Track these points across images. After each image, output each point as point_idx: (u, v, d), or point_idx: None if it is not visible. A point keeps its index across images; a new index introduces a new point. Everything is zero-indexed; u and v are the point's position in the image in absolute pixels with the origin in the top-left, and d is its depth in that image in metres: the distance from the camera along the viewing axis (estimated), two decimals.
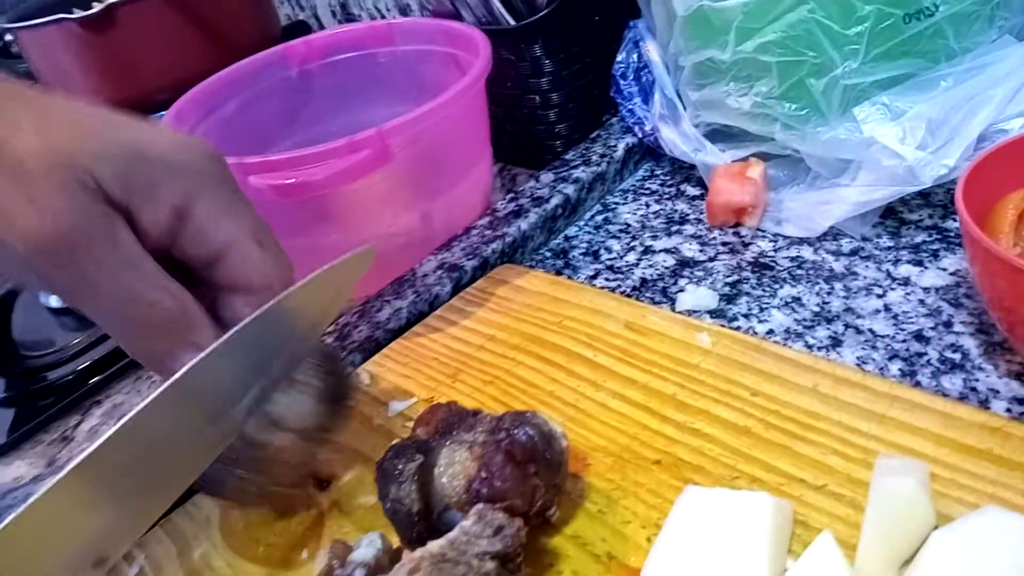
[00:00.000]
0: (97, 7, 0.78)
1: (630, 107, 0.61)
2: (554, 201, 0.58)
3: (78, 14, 0.79)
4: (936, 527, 0.29)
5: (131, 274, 0.30)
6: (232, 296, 0.33)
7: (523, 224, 0.56)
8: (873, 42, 0.46)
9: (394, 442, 0.36)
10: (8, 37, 0.91)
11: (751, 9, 0.48)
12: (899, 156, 0.45)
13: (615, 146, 0.62)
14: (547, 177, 0.60)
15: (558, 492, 0.34)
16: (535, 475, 0.33)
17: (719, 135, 0.57)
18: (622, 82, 0.61)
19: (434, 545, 0.30)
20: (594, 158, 0.61)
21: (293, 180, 0.47)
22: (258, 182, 0.48)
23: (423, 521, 0.33)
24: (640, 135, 0.61)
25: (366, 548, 0.32)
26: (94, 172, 0.29)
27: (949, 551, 0.27)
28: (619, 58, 0.62)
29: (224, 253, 0.32)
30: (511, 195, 0.59)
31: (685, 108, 0.57)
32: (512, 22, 0.62)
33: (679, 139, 0.57)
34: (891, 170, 0.46)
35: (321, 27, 1.17)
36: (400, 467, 0.33)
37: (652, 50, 0.60)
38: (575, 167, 0.61)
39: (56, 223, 0.28)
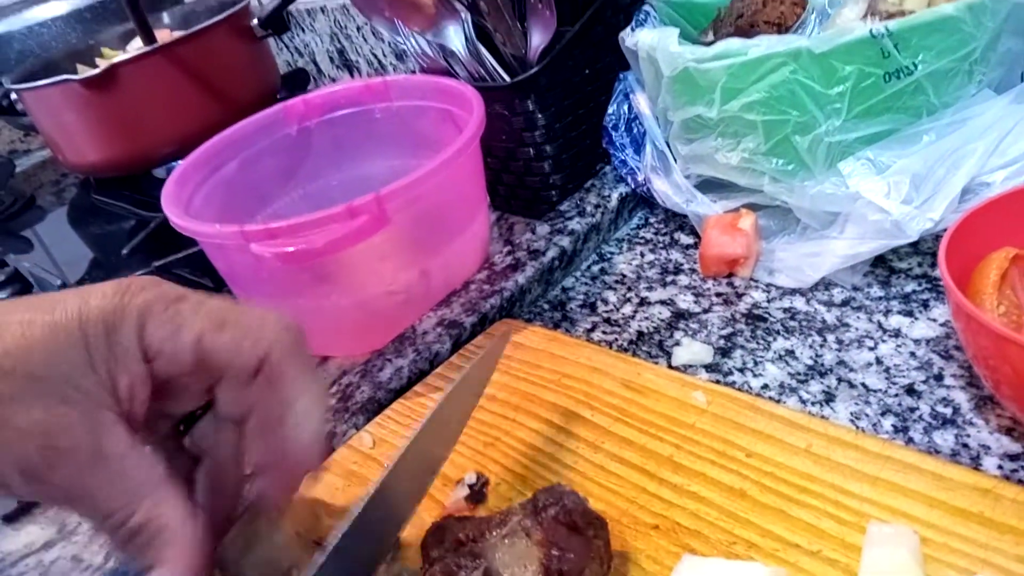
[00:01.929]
0: (100, 67, 0.80)
1: (622, 158, 0.62)
2: (551, 254, 0.59)
3: (81, 75, 0.81)
4: None
5: (120, 480, 0.30)
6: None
7: (520, 278, 0.57)
8: (855, 100, 0.48)
9: (429, 559, 0.34)
10: (13, 96, 0.93)
11: (735, 70, 0.49)
12: (885, 211, 0.46)
13: (609, 196, 0.63)
14: (543, 229, 0.62)
15: (609, 548, 0.35)
16: (595, 537, 0.34)
17: (710, 185, 0.58)
18: (614, 133, 0.62)
19: None
20: (589, 208, 0.62)
21: (293, 248, 0.48)
22: (260, 250, 0.49)
23: None
24: (633, 185, 0.62)
25: None
26: (63, 370, 0.29)
27: None
28: (610, 110, 0.63)
29: (200, 348, 0.32)
30: (508, 248, 0.61)
31: (676, 160, 0.58)
32: (506, 78, 0.63)
33: (671, 190, 0.58)
34: (878, 224, 0.47)
35: (319, 72, 1.19)
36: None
37: (642, 102, 0.61)
38: (570, 218, 0.62)
39: (47, 429, 0.29)
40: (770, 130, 0.50)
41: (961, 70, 0.47)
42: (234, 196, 0.64)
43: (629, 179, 0.62)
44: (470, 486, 0.41)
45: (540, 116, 0.63)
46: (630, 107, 0.62)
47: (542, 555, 0.32)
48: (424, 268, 0.56)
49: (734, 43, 0.50)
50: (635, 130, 0.62)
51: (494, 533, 0.34)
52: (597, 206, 0.63)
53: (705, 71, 0.51)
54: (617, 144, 0.62)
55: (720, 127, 0.53)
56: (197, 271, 0.71)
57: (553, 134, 0.64)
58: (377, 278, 0.55)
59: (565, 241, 0.60)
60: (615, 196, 0.63)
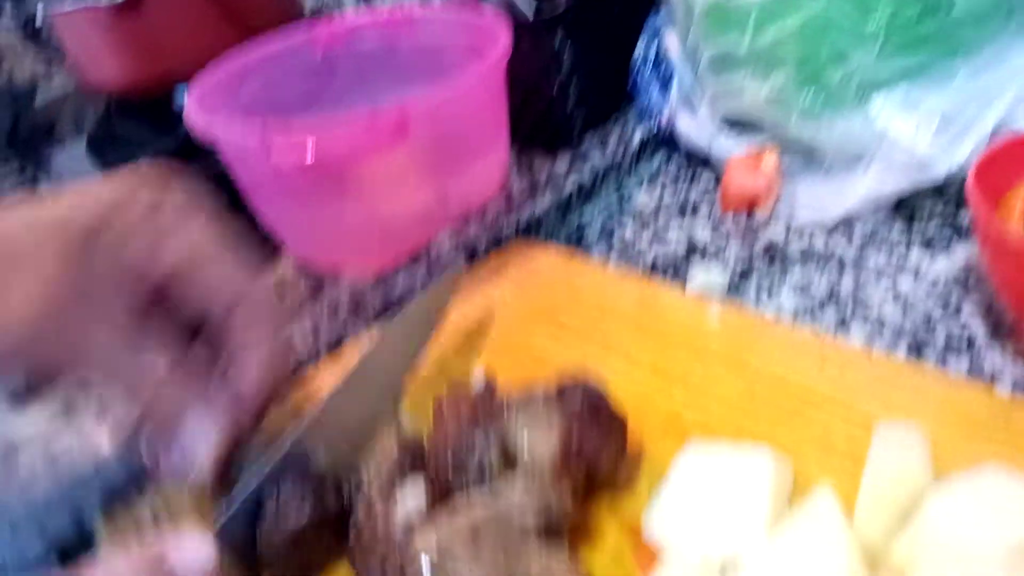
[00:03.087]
0: None
1: (648, 97, 0.62)
2: (569, 185, 0.58)
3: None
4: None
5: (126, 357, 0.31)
6: (228, 327, 0.34)
7: (538, 206, 0.57)
8: (889, 36, 0.47)
9: (443, 425, 0.34)
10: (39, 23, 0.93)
11: (768, 3, 0.49)
12: (912, 148, 0.46)
13: (632, 135, 0.63)
14: (563, 162, 0.61)
15: (625, 444, 0.34)
16: (615, 430, 0.33)
17: (735, 126, 0.58)
18: (641, 72, 0.62)
19: (478, 508, 0.30)
20: (610, 146, 0.62)
21: (313, 152, 0.48)
22: (279, 154, 0.49)
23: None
24: (657, 126, 0.62)
25: (412, 498, 0.31)
26: (51, 256, 0.30)
27: (948, 508, 0.28)
28: (638, 50, 0.63)
29: (181, 270, 0.33)
30: (527, 178, 0.60)
31: (702, 99, 0.58)
32: (532, 15, 0.63)
33: (695, 129, 0.58)
34: (904, 162, 0.46)
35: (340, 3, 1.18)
36: (478, 440, 0.32)
37: (671, 41, 0.61)
38: (591, 153, 0.62)
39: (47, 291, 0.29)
40: (801, 64, 0.50)
41: (1000, 11, 0.47)
42: (253, 119, 0.64)
43: (653, 119, 0.62)
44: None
45: (566, 53, 0.63)
46: (659, 46, 0.62)
47: (562, 436, 0.32)
48: (442, 188, 0.56)
49: None
50: (662, 69, 0.61)
51: (513, 412, 0.34)
52: (619, 144, 0.62)
53: (737, 3, 0.50)
54: (643, 83, 0.62)
55: (750, 62, 0.52)
56: (213, 187, 0.71)
57: (579, 73, 0.64)
58: (395, 193, 0.54)
59: (585, 174, 0.59)
60: (638, 136, 0.63)
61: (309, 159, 0.47)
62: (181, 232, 0.33)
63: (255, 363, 0.34)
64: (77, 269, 0.30)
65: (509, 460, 0.32)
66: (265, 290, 0.35)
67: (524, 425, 0.33)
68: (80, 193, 0.32)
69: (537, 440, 0.32)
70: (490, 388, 0.39)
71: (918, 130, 0.46)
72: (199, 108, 0.56)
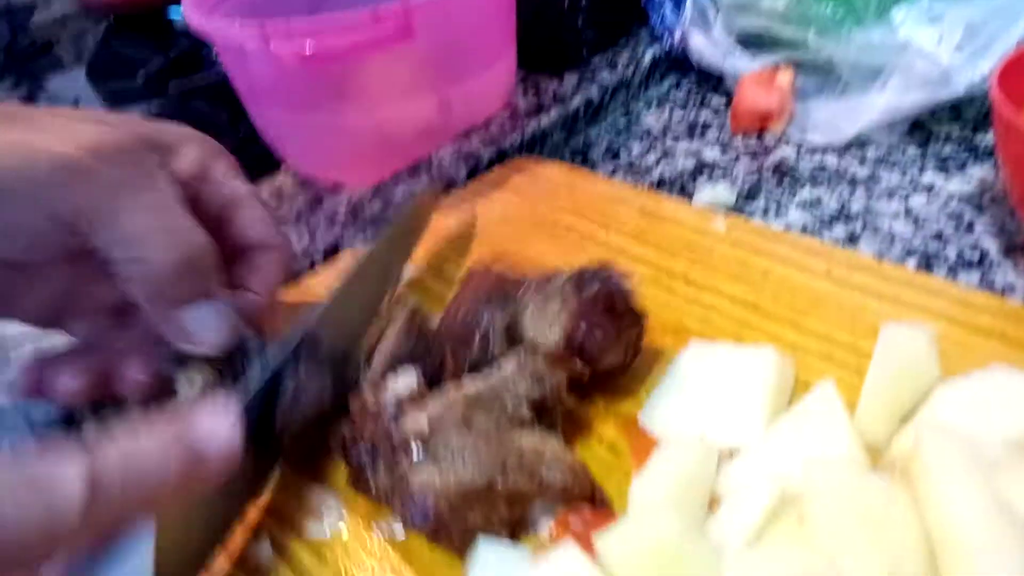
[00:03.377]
0: None
1: (661, 14, 0.60)
2: (576, 101, 0.57)
3: None
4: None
5: (167, 212, 0.31)
6: (240, 265, 0.35)
7: (543, 120, 0.55)
8: None
9: (459, 305, 0.33)
10: None
11: None
12: (934, 59, 0.44)
13: (642, 54, 0.61)
14: (571, 78, 0.60)
15: (641, 339, 0.33)
16: (630, 326, 0.32)
17: (749, 43, 0.56)
18: None
19: (470, 386, 0.29)
20: (620, 64, 0.60)
21: (314, 47, 0.46)
22: (279, 48, 0.47)
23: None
24: (669, 43, 0.60)
25: (404, 382, 0.31)
26: (133, 127, 0.32)
27: (953, 405, 0.27)
28: None
29: (237, 207, 0.35)
30: (534, 93, 0.59)
31: (716, 15, 0.56)
32: None
33: (708, 46, 0.56)
34: (924, 74, 0.45)
35: None
36: (486, 318, 0.32)
37: None
38: (600, 71, 0.60)
39: (105, 133, 0.30)
40: None
41: None
42: (256, 16, 0.62)
43: (666, 36, 0.60)
44: None
45: None
46: None
47: (570, 324, 0.31)
48: (445, 96, 0.54)
49: None
50: None
51: (530, 291, 0.33)
52: (629, 63, 0.60)
53: None
54: (656, 0, 0.60)
55: None
56: (213, 102, 0.69)
57: None
58: (396, 99, 0.53)
59: (593, 91, 0.58)
60: (649, 55, 0.61)
61: (308, 50, 0.45)
62: (228, 176, 0.35)
63: (266, 263, 0.36)
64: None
65: (513, 341, 0.32)
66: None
67: (534, 308, 0.32)
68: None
69: (542, 325, 0.31)
70: (516, 269, 0.37)
71: (941, 40, 0.44)
72: (196, 7, 0.54)
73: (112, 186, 0.29)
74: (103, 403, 0.35)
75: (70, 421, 0.38)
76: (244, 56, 0.52)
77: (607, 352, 0.31)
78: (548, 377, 0.30)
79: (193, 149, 0.34)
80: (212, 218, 0.34)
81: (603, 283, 0.31)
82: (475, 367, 0.32)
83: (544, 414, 0.30)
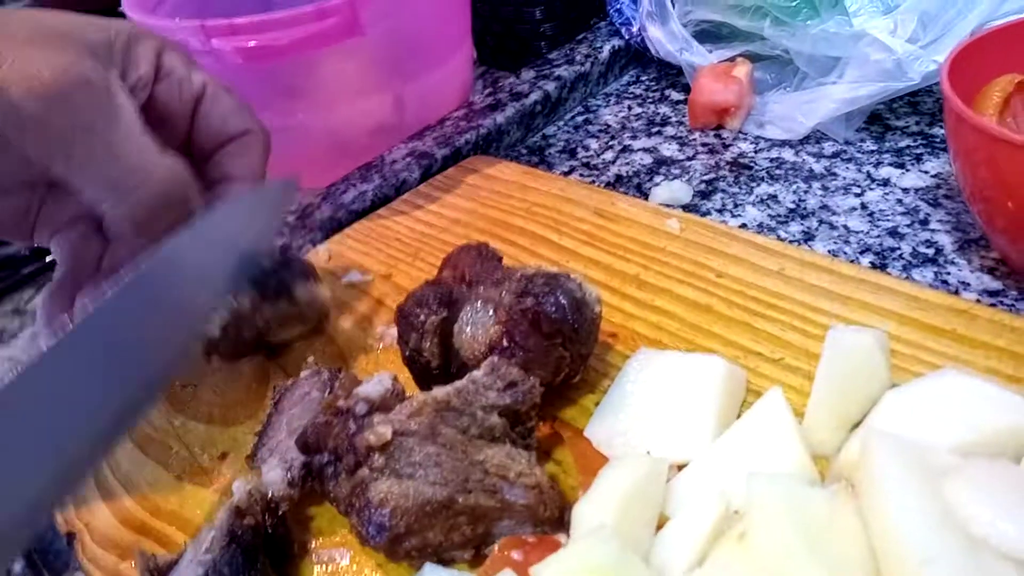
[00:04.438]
0: None
1: (618, 6, 0.59)
2: (533, 97, 0.56)
3: None
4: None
5: (136, 150, 0.30)
6: (220, 155, 0.35)
7: (499, 117, 0.54)
8: None
9: (418, 288, 0.33)
10: None
11: None
12: (889, 49, 0.43)
13: (601, 48, 0.60)
14: (528, 74, 0.58)
15: (584, 361, 0.32)
16: (561, 346, 0.30)
17: (707, 36, 0.55)
18: None
19: (440, 391, 0.28)
20: (578, 58, 0.59)
21: (256, 43, 0.45)
22: (221, 45, 0.45)
23: (441, 375, 0.32)
24: (627, 36, 0.59)
25: (375, 385, 0.30)
26: (85, 39, 0.30)
27: (903, 409, 0.26)
28: None
29: (201, 99, 0.34)
30: (490, 91, 0.57)
31: (674, 6, 0.55)
32: None
33: (666, 38, 0.55)
34: (879, 65, 0.44)
35: None
36: (422, 318, 0.31)
37: None
38: (558, 66, 0.59)
39: (58, 67, 0.28)
40: None
41: None
42: (202, 15, 0.60)
43: (623, 30, 0.59)
44: None
45: None
46: None
47: (496, 339, 0.30)
48: (398, 95, 0.53)
49: None
50: None
51: (479, 289, 0.32)
52: (587, 56, 0.59)
53: None
54: None
55: None
56: None
57: None
58: (347, 99, 0.51)
59: (550, 86, 0.56)
60: (607, 49, 0.60)
61: (250, 43, 0.44)
62: (186, 69, 0.34)
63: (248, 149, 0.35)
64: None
65: (446, 343, 0.31)
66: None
67: (470, 314, 0.31)
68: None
69: (471, 334, 0.31)
70: (493, 255, 0.36)
71: (896, 30, 0.43)
72: (137, 6, 0.52)
73: (76, 130, 0.28)
74: None
75: None
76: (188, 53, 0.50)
77: (531, 371, 0.30)
78: (521, 383, 0.28)
79: (146, 49, 0.33)
80: (179, 116, 0.34)
81: (537, 300, 0.30)
82: (415, 360, 0.31)
83: (517, 424, 0.29)
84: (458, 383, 0.29)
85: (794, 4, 0.47)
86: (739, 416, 0.30)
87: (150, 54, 0.33)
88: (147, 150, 0.30)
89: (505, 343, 0.30)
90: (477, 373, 0.29)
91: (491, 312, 0.31)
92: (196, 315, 0.25)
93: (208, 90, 0.34)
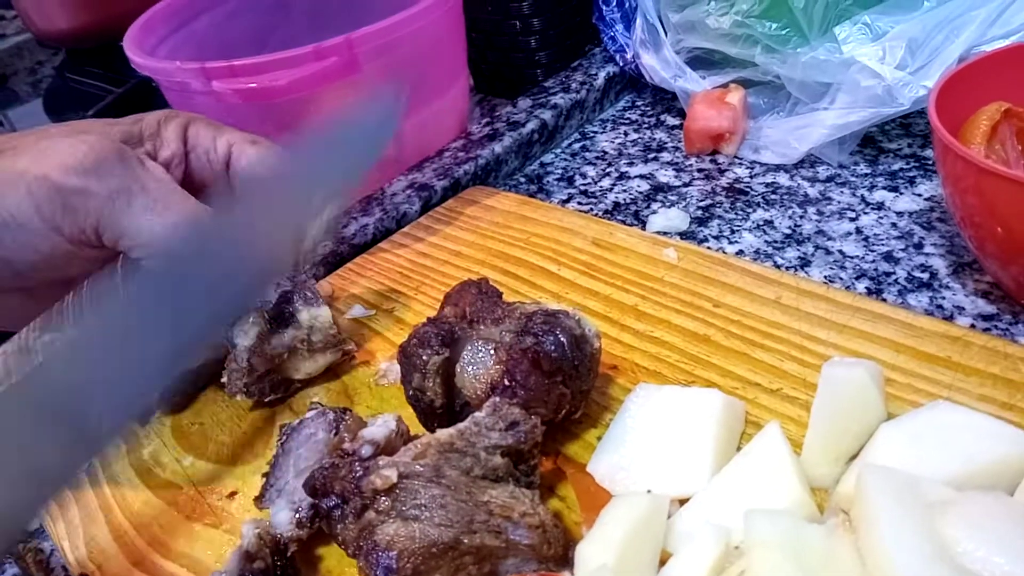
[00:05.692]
0: None
1: (612, 34, 0.59)
2: (530, 126, 0.56)
3: None
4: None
5: (165, 207, 0.33)
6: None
7: (497, 147, 0.55)
8: None
9: (419, 326, 0.33)
10: None
11: None
12: (878, 76, 0.44)
13: (596, 75, 0.61)
14: (525, 103, 0.59)
15: (585, 396, 0.32)
16: (561, 383, 0.31)
17: (700, 63, 0.55)
18: (604, 8, 0.59)
19: (443, 433, 0.29)
20: (574, 86, 0.60)
21: (256, 85, 0.46)
22: (221, 87, 0.46)
23: (444, 414, 0.32)
24: (621, 63, 0.59)
25: (379, 427, 0.30)
26: (115, 130, 0.34)
27: (897, 443, 0.27)
28: None
29: (229, 160, 0.37)
30: (487, 120, 0.58)
31: (667, 33, 0.56)
32: None
33: (659, 65, 0.56)
34: (870, 91, 0.45)
35: None
36: (424, 358, 0.31)
37: None
38: (554, 94, 0.59)
39: (92, 147, 0.32)
40: None
41: None
42: (201, 54, 0.61)
43: (618, 57, 0.60)
44: None
45: None
46: None
47: (497, 378, 0.31)
48: (397, 128, 0.53)
49: None
50: (626, 4, 0.59)
51: (480, 327, 0.32)
52: (583, 83, 0.60)
53: None
54: (607, 19, 0.60)
55: None
56: None
57: (541, 7, 0.61)
58: None
59: (547, 115, 0.57)
60: (602, 75, 0.61)
61: (250, 84, 0.45)
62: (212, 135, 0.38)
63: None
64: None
65: (448, 383, 0.31)
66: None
67: (471, 353, 0.32)
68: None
69: (472, 373, 0.31)
70: (493, 292, 0.36)
71: (884, 57, 0.44)
72: (137, 46, 0.53)
73: (106, 198, 0.32)
74: None
75: None
76: (189, 94, 0.51)
77: (532, 409, 0.30)
78: (522, 423, 0.29)
79: (173, 128, 0.36)
80: (213, 180, 0.37)
81: (537, 339, 0.31)
82: (418, 399, 0.32)
83: (520, 462, 0.29)
84: (461, 424, 0.29)
85: (784, 32, 0.48)
86: (739, 448, 0.31)
87: (178, 131, 0.37)
88: (179, 202, 0.33)
89: (506, 382, 0.31)
90: (479, 414, 0.29)
91: (492, 351, 0.31)
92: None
93: (234, 151, 0.37)
